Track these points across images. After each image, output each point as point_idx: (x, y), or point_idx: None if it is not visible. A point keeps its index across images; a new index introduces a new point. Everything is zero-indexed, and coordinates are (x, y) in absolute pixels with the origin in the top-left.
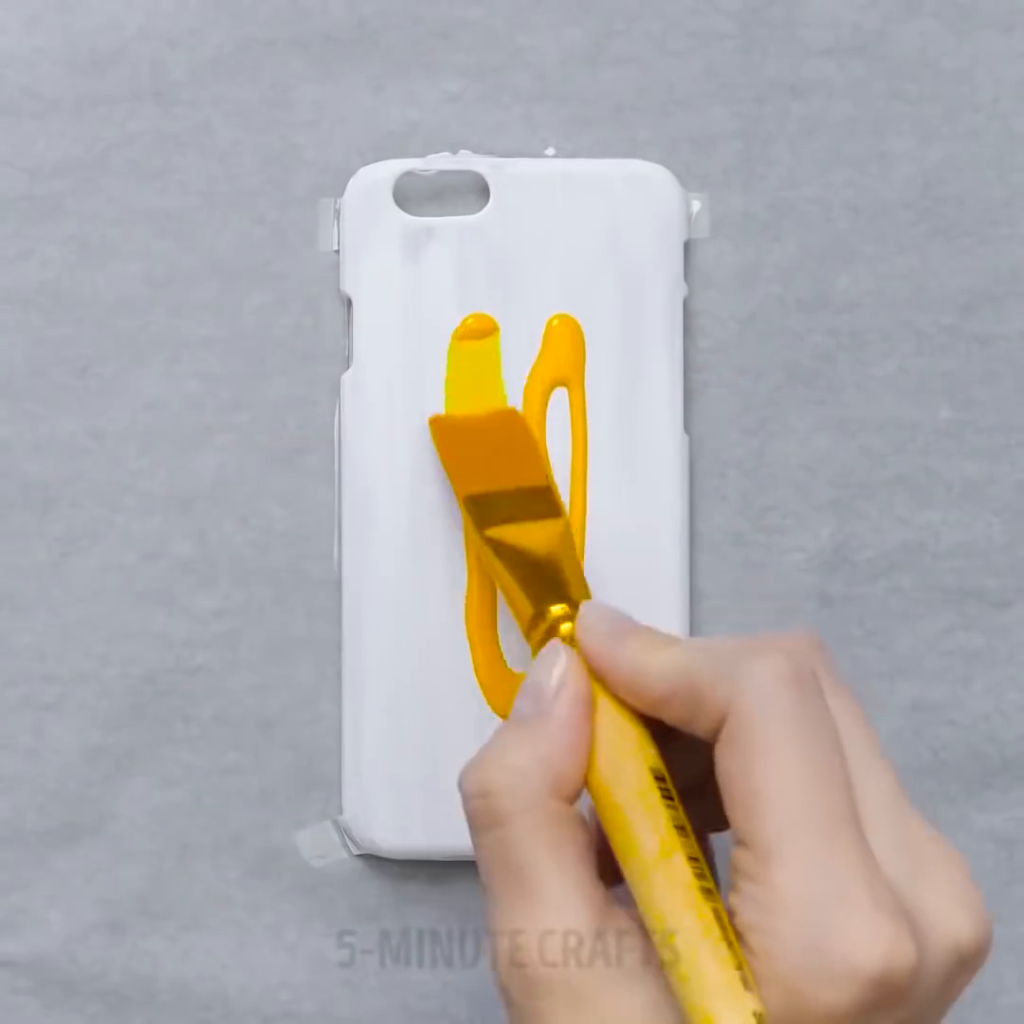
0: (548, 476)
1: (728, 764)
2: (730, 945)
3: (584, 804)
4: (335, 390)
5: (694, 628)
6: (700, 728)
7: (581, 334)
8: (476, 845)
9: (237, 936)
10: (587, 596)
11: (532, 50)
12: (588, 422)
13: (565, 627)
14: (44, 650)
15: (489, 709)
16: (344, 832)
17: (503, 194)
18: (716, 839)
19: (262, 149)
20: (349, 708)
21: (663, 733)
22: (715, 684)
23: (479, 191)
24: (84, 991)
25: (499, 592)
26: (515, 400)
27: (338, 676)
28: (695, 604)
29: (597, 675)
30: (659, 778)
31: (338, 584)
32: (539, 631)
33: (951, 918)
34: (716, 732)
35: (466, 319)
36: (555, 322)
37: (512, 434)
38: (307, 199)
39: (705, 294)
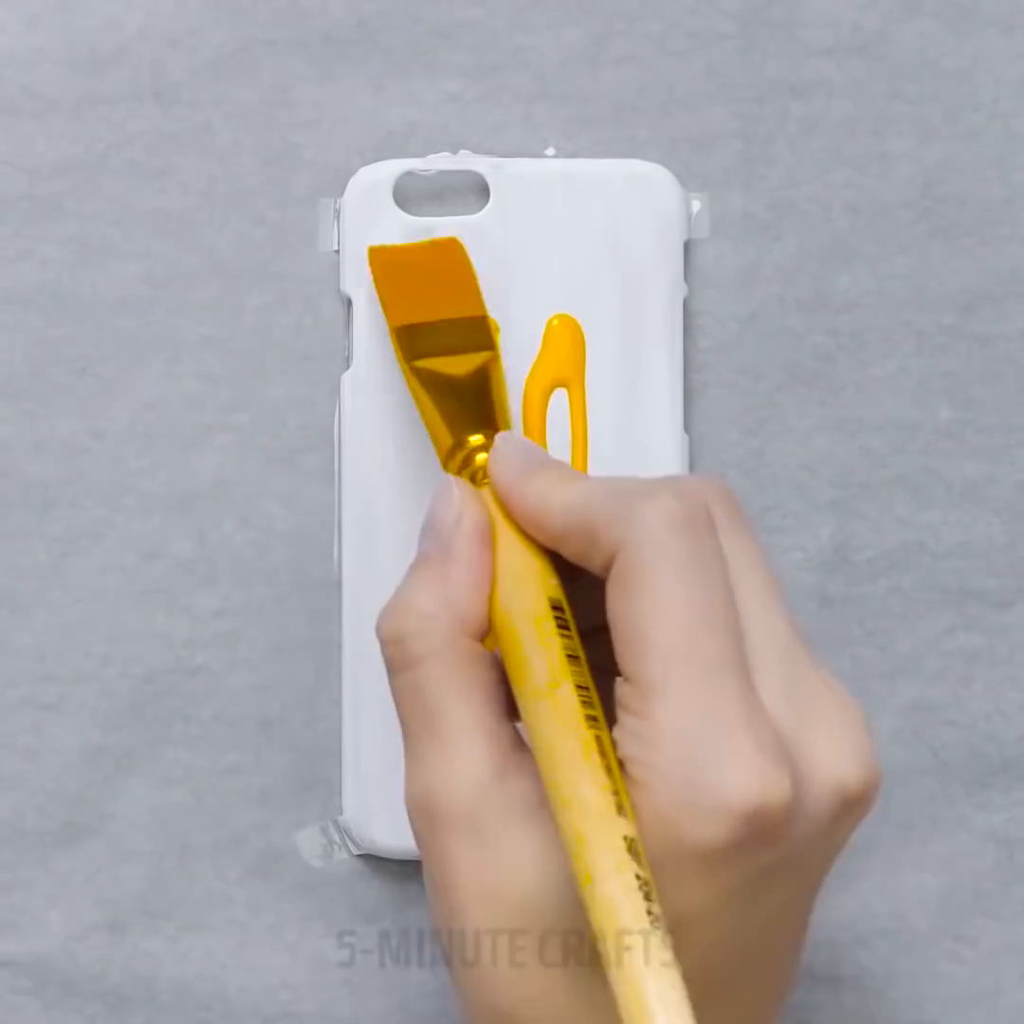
0: (483, 306)
1: (615, 603)
2: (608, 771)
3: None
4: (335, 390)
5: None
6: (595, 566)
7: (581, 334)
8: (392, 689)
9: (237, 936)
10: (508, 428)
11: (532, 50)
12: (588, 422)
13: (480, 457)
14: (44, 650)
15: None
16: (344, 832)
17: (503, 194)
18: None
19: (262, 149)
20: (349, 708)
21: (571, 570)
22: (611, 523)
23: (479, 191)
24: (84, 991)
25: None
26: (515, 400)
27: (338, 676)
28: None
29: (505, 506)
30: (557, 608)
31: (338, 584)
32: (456, 461)
33: (835, 760)
34: (609, 571)
35: None
36: (555, 322)
37: (451, 263)
38: (307, 199)
39: (705, 294)
